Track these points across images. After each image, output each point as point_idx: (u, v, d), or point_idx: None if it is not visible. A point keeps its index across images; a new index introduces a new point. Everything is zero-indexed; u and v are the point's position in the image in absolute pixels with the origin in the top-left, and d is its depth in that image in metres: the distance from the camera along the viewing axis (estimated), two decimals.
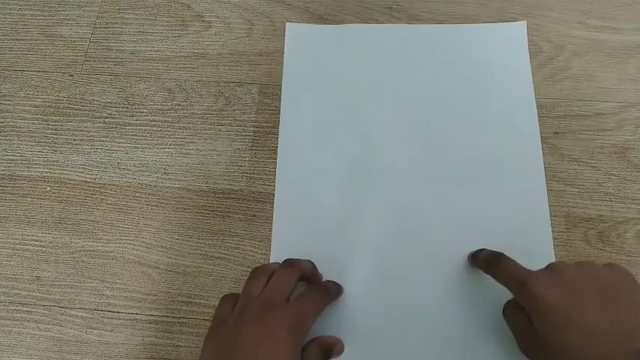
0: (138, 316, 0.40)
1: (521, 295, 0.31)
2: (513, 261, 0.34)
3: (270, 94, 0.46)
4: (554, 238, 0.40)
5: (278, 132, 0.45)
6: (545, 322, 0.30)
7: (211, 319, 0.34)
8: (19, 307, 0.40)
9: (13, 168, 0.45)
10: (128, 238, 0.42)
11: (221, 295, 0.39)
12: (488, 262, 0.35)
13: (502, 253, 0.35)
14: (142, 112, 0.46)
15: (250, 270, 0.37)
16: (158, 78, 0.48)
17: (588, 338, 0.28)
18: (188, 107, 0.46)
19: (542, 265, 0.33)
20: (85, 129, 0.46)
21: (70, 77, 0.48)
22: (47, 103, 0.47)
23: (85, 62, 0.49)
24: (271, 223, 0.42)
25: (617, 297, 0.30)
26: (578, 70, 0.46)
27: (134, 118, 0.46)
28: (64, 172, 0.44)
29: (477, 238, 0.38)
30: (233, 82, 0.47)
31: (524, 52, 0.44)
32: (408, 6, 0.49)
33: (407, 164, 0.40)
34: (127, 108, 0.47)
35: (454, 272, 0.38)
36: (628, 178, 0.42)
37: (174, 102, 0.47)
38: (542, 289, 0.30)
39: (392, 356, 0.36)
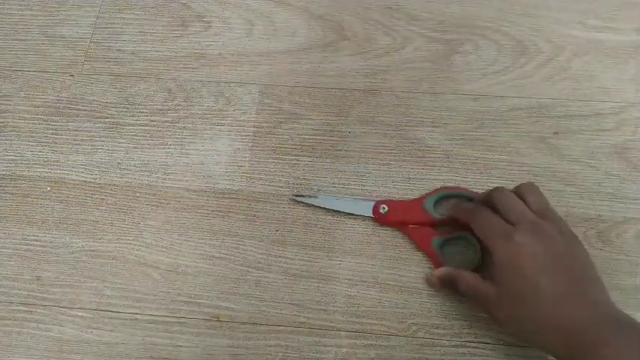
0: (138, 316, 0.40)
1: (502, 250, 0.32)
2: (493, 213, 0.35)
3: (270, 94, 0.46)
4: None
5: (278, 132, 0.45)
6: (514, 280, 0.32)
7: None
8: (20, 307, 0.40)
9: (13, 168, 0.45)
10: (128, 238, 0.42)
11: (221, 295, 0.40)
12: (470, 214, 0.37)
13: (484, 207, 0.36)
14: (142, 112, 0.46)
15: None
16: (158, 78, 0.48)
17: (549, 301, 0.31)
18: (188, 107, 0.46)
19: None
20: (85, 129, 0.46)
21: (70, 77, 0.48)
22: (47, 103, 0.47)
23: (85, 62, 0.49)
24: (271, 222, 0.42)
25: (581, 273, 0.32)
26: (578, 70, 0.46)
27: (134, 118, 0.46)
28: (65, 172, 0.45)
29: None
30: (233, 82, 0.47)
31: None
32: (408, 6, 0.49)
33: None
34: (127, 108, 0.47)
35: None
36: (628, 178, 0.42)
37: (174, 102, 0.47)
38: (525, 247, 0.32)
39: None
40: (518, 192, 0.36)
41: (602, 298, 0.31)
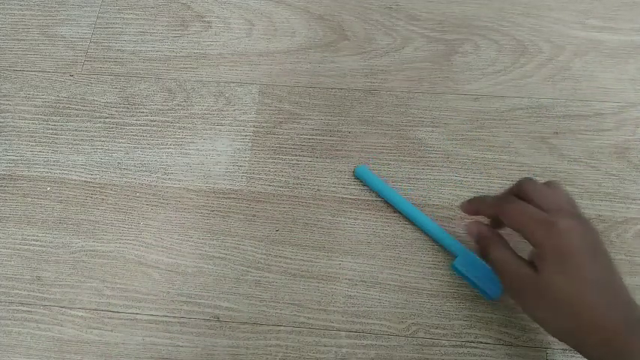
0: (138, 316, 0.40)
1: (545, 236, 0.30)
2: (525, 203, 0.33)
3: (270, 94, 0.46)
4: None
5: (278, 132, 0.45)
6: (559, 269, 0.30)
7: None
8: (20, 307, 0.40)
9: (13, 168, 0.45)
10: (128, 238, 0.42)
11: (221, 295, 0.40)
12: (498, 203, 0.34)
13: (512, 196, 0.34)
14: (142, 112, 0.46)
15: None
16: (158, 78, 0.48)
17: (594, 292, 0.29)
18: (188, 107, 0.46)
19: None
20: (85, 129, 0.46)
21: (70, 77, 0.48)
22: (47, 103, 0.47)
23: (85, 62, 0.49)
24: (271, 222, 0.42)
25: (613, 266, 0.31)
26: (578, 70, 0.46)
27: (134, 118, 0.46)
28: (65, 172, 0.45)
29: None
30: (233, 82, 0.47)
31: None
32: (408, 6, 0.49)
33: None
34: (127, 108, 0.47)
35: None
36: (628, 178, 0.42)
37: (174, 102, 0.47)
38: (571, 233, 0.30)
39: None
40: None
41: (631, 299, 0.31)
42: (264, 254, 0.41)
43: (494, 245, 0.34)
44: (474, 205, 0.37)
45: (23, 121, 0.47)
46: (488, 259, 0.34)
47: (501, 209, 0.34)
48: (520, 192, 0.34)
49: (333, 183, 0.43)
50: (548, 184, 0.34)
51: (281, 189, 0.43)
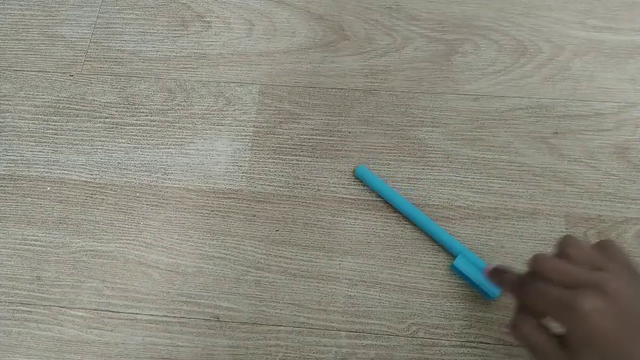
0: (138, 316, 0.40)
1: (569, 321, 0.28)
2: (549, 283, 0.29)
3: (270, 94, 0.46)
4: (554, 239, 0.40)
5: (278, 132, 0.45)
6: (592, 352, 0.27)
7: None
8: (20, 307, 0.40)
9: (13, 168, 0.45)
10: (128, 238, 0.42)
11: (221, 295, 0.40)
12: (518, 284, 0.32)
13: (533, 276, 0.31)
14: (142, 112, 0.46)
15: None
16: (158, 78, 0.48)
17: None
18: (188, 107, 0.46)
19: None
20: (85, 129, 0.46)
21: (70, 77, 0.48)
22: (47, 103, 0.47)
23: (85, 62, 0.49)
24: (271, 222, 0.42)
25: None
26: (578, 70, 0.46)
27: (134, 118, 0.46)
28: (65, 172, 0.45)
29: None
30: (233, 82, 0.47)
31: None
32: (408, 6, 0.50)
33: None
34: (127, 108, 0.47)
35: None
36: (627, 178, 0.42)
37: (174, 102, 0.47)
38: (596, 315, 0.27)
39: None
40: (559, 251, 0.32)
41: None
42: (264, 254, 0.41)
43: (523, 323, 0.31)
44: (496, 277, 0.35)
45: (23, 121, 0.47)
46: (516, 335, 0.31)
47: (522, 293, 0.31)
48: (537, 273, 0.31)
49: (333, 183, 0.43)
50: (561, 247, 0.31)
51: (281, 189, 0.43)
